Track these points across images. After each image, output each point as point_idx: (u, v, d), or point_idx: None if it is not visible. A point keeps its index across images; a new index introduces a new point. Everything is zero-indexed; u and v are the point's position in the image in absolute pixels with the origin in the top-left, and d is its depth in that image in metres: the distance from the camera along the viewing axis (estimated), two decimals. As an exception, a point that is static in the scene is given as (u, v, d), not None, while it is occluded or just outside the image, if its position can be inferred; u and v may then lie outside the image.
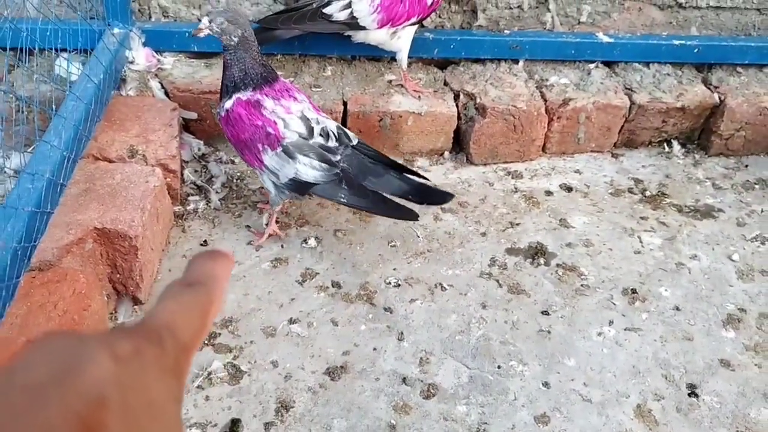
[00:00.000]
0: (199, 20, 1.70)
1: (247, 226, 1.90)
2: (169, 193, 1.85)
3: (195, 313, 0.42)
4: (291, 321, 1.65)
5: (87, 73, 1.78)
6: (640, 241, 1.98)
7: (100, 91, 1.77)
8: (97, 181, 1.69)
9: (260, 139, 1.66)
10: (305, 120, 1.68)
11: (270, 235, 1.86)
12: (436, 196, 1.78)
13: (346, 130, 1.74)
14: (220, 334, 1.61)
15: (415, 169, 2.15)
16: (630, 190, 2.17)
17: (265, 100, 1.66)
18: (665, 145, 2.34)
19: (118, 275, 1.63)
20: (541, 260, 1.89)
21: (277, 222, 1.87)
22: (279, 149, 1.66)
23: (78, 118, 1.65)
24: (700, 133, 2.34)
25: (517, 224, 2.00)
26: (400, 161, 2.16)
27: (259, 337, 1.61)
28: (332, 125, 1.71)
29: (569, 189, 2.15)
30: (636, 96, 2.23)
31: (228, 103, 1.66)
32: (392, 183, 1.72)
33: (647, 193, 2.16)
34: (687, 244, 1.98)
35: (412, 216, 1.75)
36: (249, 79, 1.65)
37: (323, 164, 1.66)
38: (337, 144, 1.68)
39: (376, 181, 1.70)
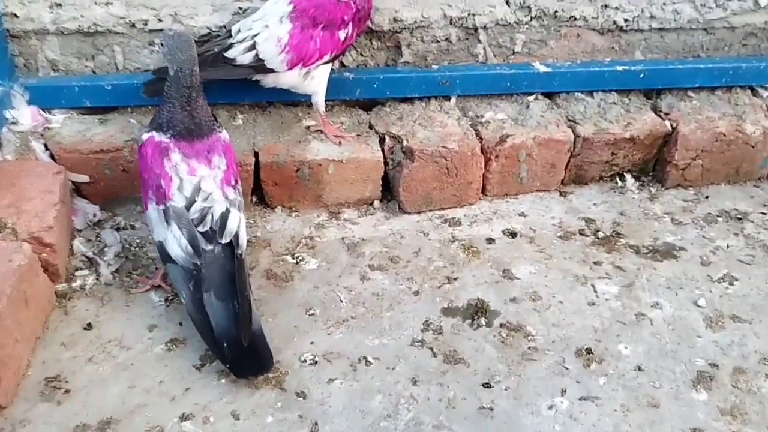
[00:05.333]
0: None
1: (133, 275, 1.68)
2: (46, 270, 1.59)
3: None
4: (183, 417, 1.38)
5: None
6: (594, 291, 1.75)
7: (-42, 158, 1.53)
8: (-50, 263, 1.44)
9: (152, 186, 1.52)
10: (196, 190, 1.50)
11: (152, 287, 1.66)
12: (247, 362, 1.43)
13: (231, 222, 1.50)
14: (95, 439, 1.33)
15: (341, 221, 1.93)
16: (581, 232, 1.95)
17: (174, 153, 1.51)
18: (617, 179, 2.13)
19: (-29, 376, 1.36)
20: (482, 320, 1.65)
21: (165, 276, 1.65)
22: (161, 207, 1.49)
23: None
24: (654, 164, 2.14)
25: (455, 279, 1.76)
26: (325, 214, 1.94)
27: (143, 441, 1.34)
28: (220, 209, 1.50)
29: (513, 234, 1.93)
30: (580, 128, 2.03)
31: (144, 137, 1.56)
32: (224, 316, 1.43)
33: (600, 234, 1.94)
34: (647, 290, 1.75)
35: (228, 368, 1.44)
36: (171, 125, 1.52)
37: (189, 247, 1.46)
38: (207, 232, 1.47)
39: (216, 302, 1.44)
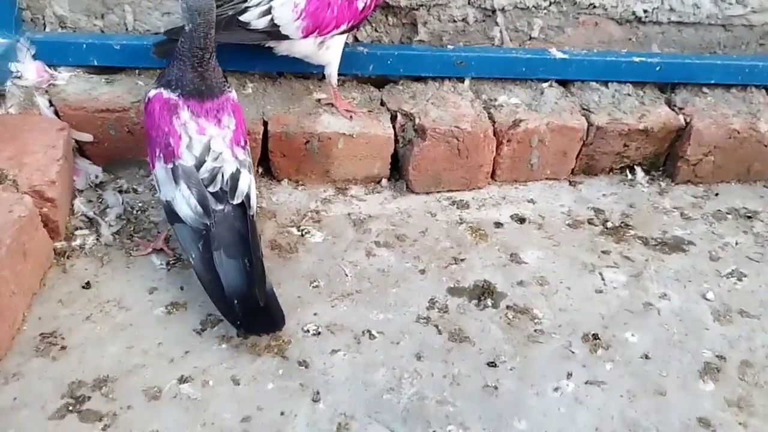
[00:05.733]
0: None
1: (134, 237, 1.65)
2: (47, 225, 1.55)
3: None
4: (181, 380, 1.34)
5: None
6: (602, 279, 1.72)
7: (-39, 106, 1.48)
8: (-52, 211, 1.39)
9: (160, 144, 1.47)
10: (206, 149, 1.46)
11: (154, 250, 1.63)
12: (259, 320, 1.41)
13: (242, 182, 1.47)
14: (89, 397, 1.29)
15: (348, 197, 1.90)
16: (590, 222, 1.92)
17: (183, 111, 1.47)
18: (627, 171, 2.11)
19: (-36, 326, 1.32)
20: (489, 301, 1.62)
21: (167, 240, 1.62)
22: (170, 165, 1.45)
23: None
24: (666, 158, 2.12)
25: (462, 260, 1.73)
26: (332, 190, 1.91)
27: (140, 401, 1.30)
28: (230, 169, 1.46)
29: (522, 220, 1.90)
30: (594, 117, 2.01)
31: (152, 93, 1.52)
32: (235, 274, 1.40)
33: (609, 225, 1.91)
34: (655, 281, 1.73)
35: (237, 326, 1.41)
36: (181, 84, 1.48)
37: (199, 207, 1.42)
38: (218, 192, 1.44)
39: (226, 261, 1.41)
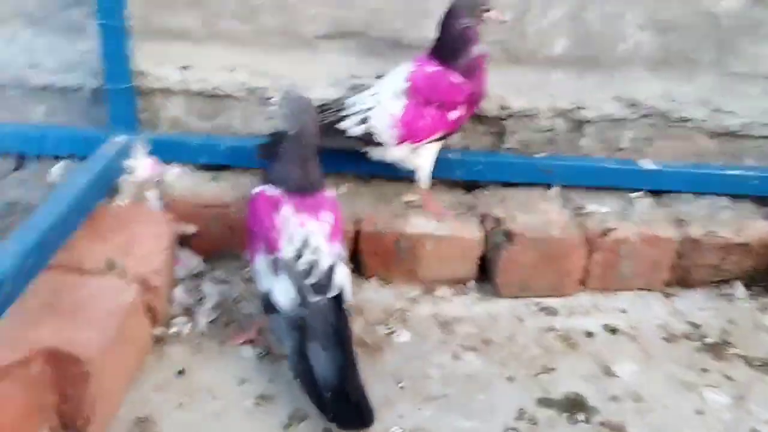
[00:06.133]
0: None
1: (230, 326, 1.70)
2: (148, 312, 1.62)
3: None
4: (266, 476, 1.33)
5: (70, 179, 1.62)
6: (703, 399, 1.63)
7: (81, 200, 1.60)
8: (62, 295, 1.48)
9: (262, 237, 1.53)
10: (304, 243, 1.51)
11: (247, 340, 1.67)
12: (350, 414, 1.40)
13: (338, 275, 1.51)
14: (176, 488, 1.29)
15: (434, 298, 1.90)
16: (687, 336, 1.84)
17: (285, 206, 1.54)
18: (725, 285, 2.03)
19: (66, 406, 1.36)
20: (581, 416, 1.55)
21: (260, 331, 1.66)
22: (270, 257, 1.50)
23: (46, 225, 1.46)
24: (766, 274, 2.03)
25: (552, 369, 1.68)
26: (418, 289, 1.92)
27: (225, 496, 1.29)
28: (327, 262, 1.51)
29: (613, 331, 1.84)
30: (688, 229, 1.96)
31: (256, 190, 1.60)
32: (328, 367, 1.41)
33: (708, 341, 1.83)
34: (761, 405, 1.62)
35: (329, 419, 1.40)
36: (284, 180, 1.56)
37: (297, 298, 1.46)
38: (314, 283, 1.48)
39: (319, 353, 1.42)
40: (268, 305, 1.49)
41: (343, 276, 1.51)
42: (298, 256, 1.49)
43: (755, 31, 2.01)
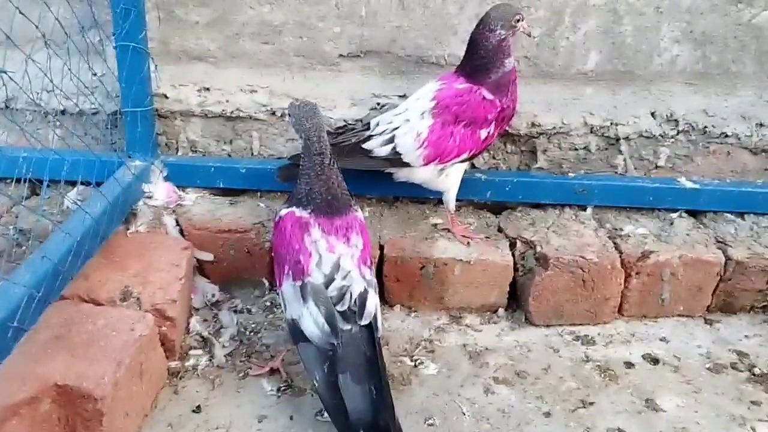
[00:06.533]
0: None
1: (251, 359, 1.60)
2: (163, 344, 1.55)
3: None
4: None
5: (86, 206, 1.56)
6: (755, 434, 1.52)
7: (96, 226, 1.54)
8: (74, 327, 1.41)
9: (290, 261, 1.45)
10: (335, 267, 1.43)
11: (271, 370, 1.59)
12: None
13: (369, 302, 1.42)
14: None
15: (463, 327, 1.81)
16: (733, 366, 1.73)
17: (314, 229, 1.46)
18: (771, 311, 1.92)
19: (77, 447, 1.29)
20: (625, 455, 1.44)
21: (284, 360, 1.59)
22: (299, 283, 1.42)
23: (60, 254, 1.40)
24: (815, 298, 1.91)
25: (591, 403, 1.58)
26: (445, 318, 1.83)
27: None
28: (358, 289, 1.42)
29: (655, 361, 1.73)
30: (732, 251, 1.85)
31: (283, 212, 1.53)
32: (361, 400, 1.32)
33: (756, 371, 1.71)
34: (820, 441, 1.50)
35: None
36: (311, 198, 1.48)
37: (326, 326, 1.37)
38: (346, 311, 1.39)
39: (351, 385, 1.33)
40: (296, 333, 1.40)
41: (374, 303, 1.43)
42: (329, 282, 1.41)
43: (799, 41, 1.91)
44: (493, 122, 1.74)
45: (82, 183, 1.85)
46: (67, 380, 1.27)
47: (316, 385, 1.35)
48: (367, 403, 1.31)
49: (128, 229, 1.78)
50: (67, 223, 1.52)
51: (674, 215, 1.96)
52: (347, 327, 1.38)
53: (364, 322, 1.39)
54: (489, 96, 1.70)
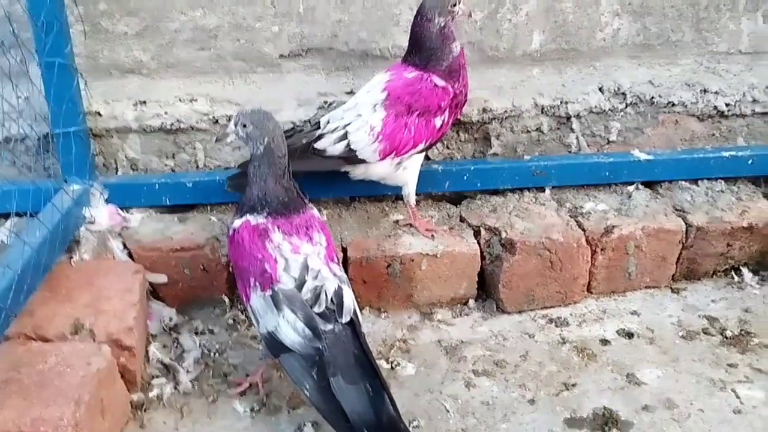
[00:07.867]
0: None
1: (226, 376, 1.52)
2: (123, 376, 1.44)
3: None
4: None
5: (22, 238, 1.44)
6: (737, 397, 1.52)
7: (37, 257, 1.42)
8: (24, 368, 1.30)
9: (254, 273, 1.37)
10: (304, 269, 1.36)
11: (250, 385, 1.51)
12: None
13: (346, 298, 1.36)
14: None
15: (435, 323, 1.76)
16: (705, 332, 1.74)
17: (275, 232, 1.39)
18: (733, 273, 1.94)
19: (39, 498, 1.18)
20: (615, 432, 1.42)
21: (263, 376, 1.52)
22: (268, 293, 1.34)
23: (0, 290, 1.28)
24: (773, 256, 1.95)
25: (573, 385, 1.55)
26: (417, 315, 1.78)
27: None
28: (332, 286, 1.36)
29: (629, 335, 1.73)
30: (691, 217, 1.87)
31: (237, 223, 1.44)
32: (358, 400, 1.27)
33: (728, 334, 1.72)
34: (799, 395, 1.52)
35: None
36: (266, 202, 1.40)
37: (307, 330, 1.30)
38: (325, 312, 1.33)
39: (345, 387, 1.27)
40: (275, 346, 1.32)
41: (350, 298, 1.37)
42: (301, 285, 1.34)
43: (734, 6, 1.94)
44: (447, 109, 1.69)
45: (16, 214, 1.72)
46: (22, 427, 1.16)
47: (308, 394, 1.28)
48: (366, 403, 1.25)
49: (72, 258, 1.66)
50: (4, 256, 1.40)
51: (631, 188, 1.97)
52: (329, 327, 1.31)
53: (345, 319, 1.33)
54: (440, 83, 1.66)
